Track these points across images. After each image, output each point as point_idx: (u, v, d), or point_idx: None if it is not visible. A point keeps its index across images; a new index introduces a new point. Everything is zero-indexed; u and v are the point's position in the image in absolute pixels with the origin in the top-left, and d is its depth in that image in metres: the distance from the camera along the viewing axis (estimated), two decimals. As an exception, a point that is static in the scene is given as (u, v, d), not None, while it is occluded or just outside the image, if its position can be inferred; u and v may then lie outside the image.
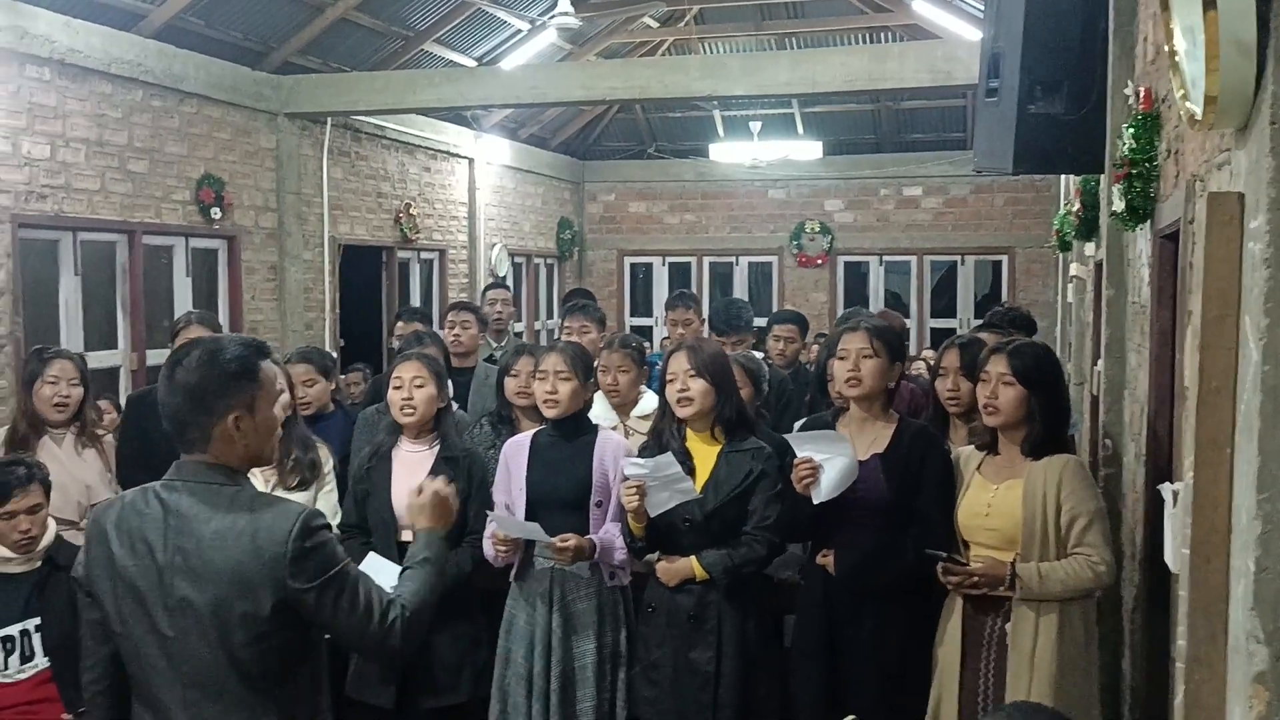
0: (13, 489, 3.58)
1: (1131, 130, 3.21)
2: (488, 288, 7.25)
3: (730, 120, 13.18)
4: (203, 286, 8.04)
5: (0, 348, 6.22)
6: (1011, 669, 3.10)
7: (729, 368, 3.68)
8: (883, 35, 11.30)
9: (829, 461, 3.31)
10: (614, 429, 4.22)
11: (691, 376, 3.54)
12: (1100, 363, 4.18)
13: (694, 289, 12.83)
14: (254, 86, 8.29)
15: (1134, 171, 3.20)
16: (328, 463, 4.19)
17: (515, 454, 3.82)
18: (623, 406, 4.51)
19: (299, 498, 3.89)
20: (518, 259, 12.62)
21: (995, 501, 3.20)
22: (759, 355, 5.18)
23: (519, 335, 9.48)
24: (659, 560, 3.59)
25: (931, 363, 4.83)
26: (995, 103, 4.31)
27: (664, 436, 3.62)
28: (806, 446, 3.36)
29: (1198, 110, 1.94)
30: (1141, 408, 3.48)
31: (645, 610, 3.63)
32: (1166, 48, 2.14)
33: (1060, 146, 4.02)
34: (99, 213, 6.92)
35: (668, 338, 7.66)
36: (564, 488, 3.69)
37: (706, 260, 13.90)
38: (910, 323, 12.36)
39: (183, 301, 7.69)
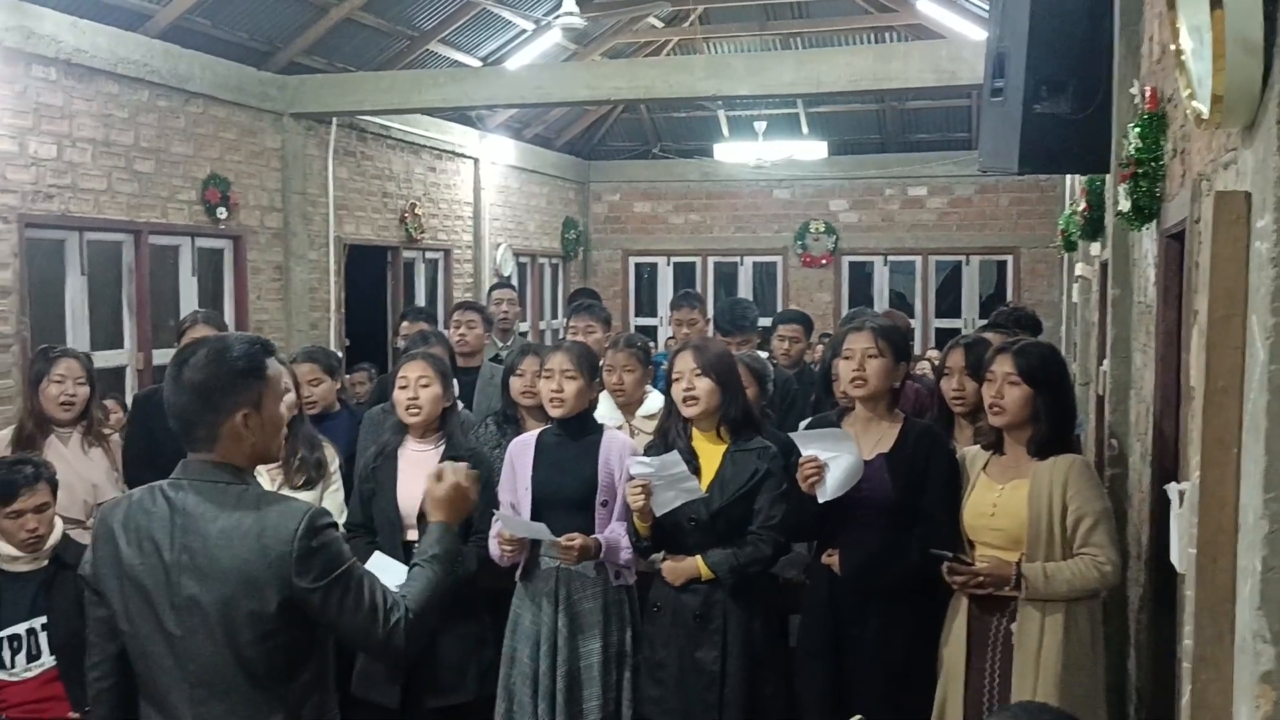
0: (20, 488, 3.59)
1: (1137, 130, 3.21)
2: (493, 287, 7.25)
3: (735, 120, 13.18)
4: (208, 286, 8.05)
5: (7, 347, 6.23)
6: (1017, 669, 3.10)
7: (735, 367, 3.68)
8: (887, 35, 11.29)
9: (834, 460, 3.31)
10: (619, 428, 4.22)
11: (697, 376, 3.54)
12: (1106, 363, 4.18)
13: (698, 289, 12.83)
14: (259, 87, 8.30)
15: (1140, 171, 3.20)
16: (333, 462, 4.20)
17: (520, 453, 3.82)
18: (628, 406, 4.51)
19: (305, 497, 3.89)
20: (522, 259, 12.62)
21: (1001, 501, 3.19)
22: (764, 355, 5.18)
23: (524, 335, 9.48)
24: (664, 560, 3.60)
25: (936, 363, 4.83)
26: (1000, 102, 4.31)
27: (670, 436, 3.62)
28: (812, 445, 3.36)
29: (1204, 109, 1.94)
30: (1147, 408, 3.48)
31: (651, 610, 3.63)
32: (1173, 47, 2.14)
33: (1066, 146, 4.02)
34: (105, 212, 6.93)
35: (672, 337, 7.66)
36: (569, 487, 3.69)
37: (711, 260, 13.89)
38: (915, 323, 12.35)
39: (189, 301, 7.70)
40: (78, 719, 3.53)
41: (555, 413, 3.77)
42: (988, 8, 6.00)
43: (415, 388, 3.85)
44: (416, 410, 3.84)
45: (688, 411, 3.57)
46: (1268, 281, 1.78)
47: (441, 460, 3.78)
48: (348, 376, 7.13)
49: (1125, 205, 3.31)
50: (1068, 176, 8.21)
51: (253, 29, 8.17)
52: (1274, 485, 1.78)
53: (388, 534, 3.82)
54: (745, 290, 13.56)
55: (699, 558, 3.50)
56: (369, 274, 9.91)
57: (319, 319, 9.07)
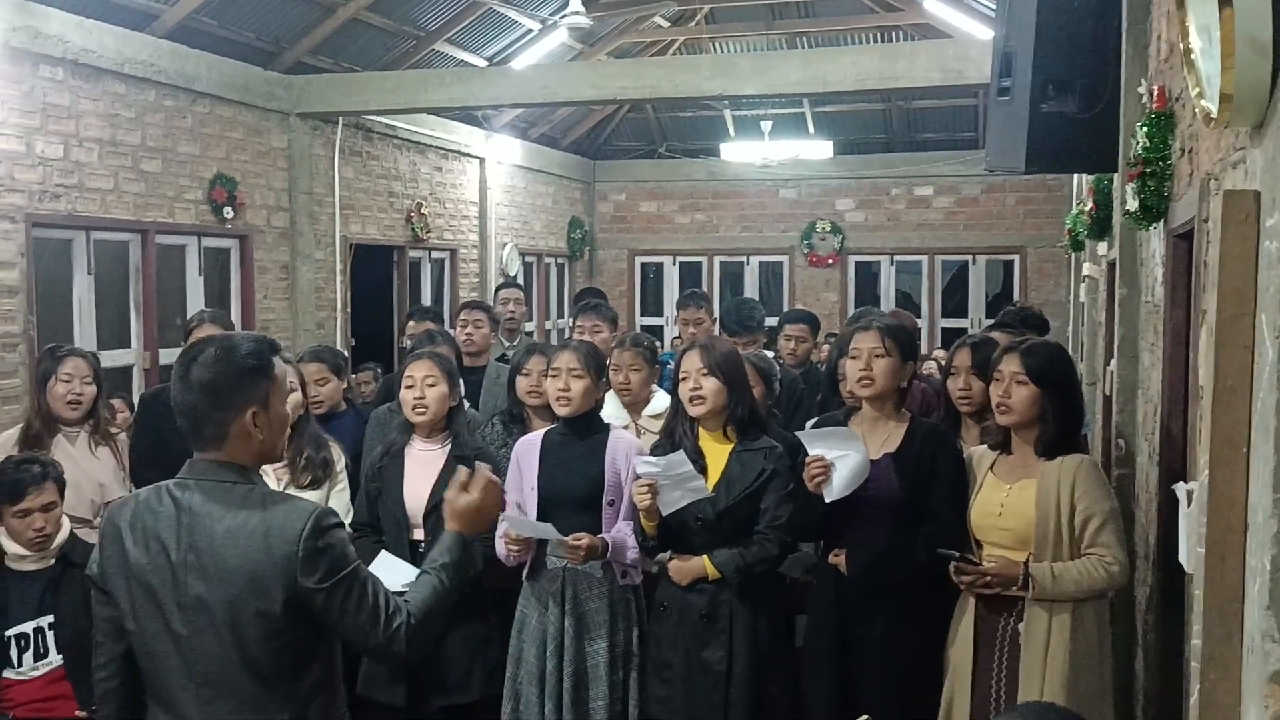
0: (27, 487, 3.60)
1: (1145, 129, 3.21)
2: (500, 287, 7.26)
3: (741, 120, 13.17)
4: (215, 286, 8.07)
5: (14, 346, 6.25)
6: (1024, 669, 3.09)
7: (742, 367, 3.68)
8: (894, 34, 11.28)
9: (841, 460, 3.31)
10: (625, 428, 4.22)
11: (704, 375, 3.54)
12: (1113, 362, 4.17)
13: (704, 288, 12.82)
14: (266, 86, 8.32)
15: (1148, 170, 3.19)
16: (340, 461, 4.20)
17: (526, 453, 3.82)
18: (634, 405, 4.51)
19: (311, 496, 3.90)
20: (528, 258, 12.63)
21: (1008, 501, 3.19)
22: (770, 355, 5.17)
23: (530, 334, 9.50)
24: (671, 559, 3.59)
25: (943, 362, 4.82)
26: (1007, 102, 4.30)
27: (676, 435, 3.62)
28: (818, 445, 3.36)
29: (1213, 108, 1.93)
30: (1155, 407, 3.47)
31: (657, 609, 3.63)
32: (1181, 46, 2.13)
33: (1073, 145, 4.01)
34: (112, 212, 6.94)
35: (678, 337, 7.66)
36: (576, 487, 3.69)
37: (717, 260, 13.89)
38: (921, 322, 12.33)
39: (195, 301, 7.72)
40: (85, 717, 3.54)
41: (562, 412, 3.77)
42: (994, 7, 5.99)
43: (422, 387, 3.85)
44: (423, 410, 3.84)
45: (694, 411, 3.57)
46: (1277, 280, 1.78)
47: (447, 461, 3.81)
48: (353, 376, 7.14)
49: (1133, 204, 3.30)
50: (1075, 176, 8.20)
51: (259, 29, 8.18)
52: (1283, 485, 1.78)
53: (394, 533, 3.83)
54: (751, 290, 13.56)
55: (705, 557, 3.49)
56: (375, 273, 9.92)
57: (325, 318, 9.08)
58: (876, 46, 10.51)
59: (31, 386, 5.37)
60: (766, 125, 12.13)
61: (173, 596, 2.18)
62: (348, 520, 3.89)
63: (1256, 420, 1.90)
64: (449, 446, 3.88)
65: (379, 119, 9.54)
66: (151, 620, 2.21)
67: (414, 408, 3.85)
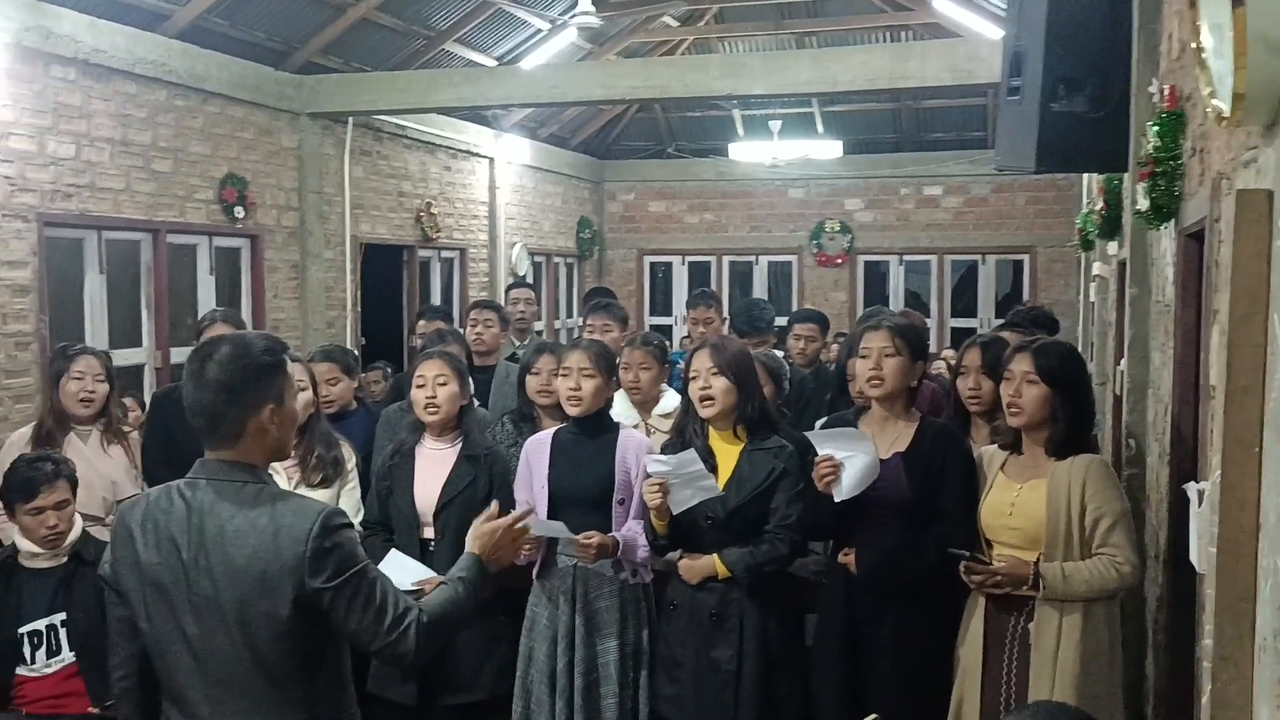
0: (40, 485, 3.62)
1: (1156, 128, 3.20)
2: (510, 287, 7.27)
3: (750, 119, 13.17)
4: (226, 285, 8.09)
5: (26, 345, 6.28)
6: (1034, 668, 3.09)
7: (752, 367, 3.68)
8: (903, 34, 11.27)
9: (850, 460, 3.31)
10: (635, 427, 4.23)
11: (714, 375, 3.54)
12: (1123, 362, 4.17)
13: (713, 288, 12.82)
14: (276, 86, 8.34)
15: (1158, 170, 3.18)
16: (350, 460, 4.21)
17: (536, 452, 3.83)
18: (644, 404, 4.51)
19: (321, 495, 3.91)
20: (538, 258, 12.64)
21: (1019, 501, 3.18)
22: (779, 354, 5.17)
23: (539, 334, 9.50)
24: (681, 558, 3.60)
25: (952, 362, 4.82)
26: (1017, 101, 4.30)
27: (687, 434, 3.62)
28: (827, 445, 3.36)
29: (1225, 107, 1.93)
30: (1165, 407, 3.47)
31: (667, 608, 3.63)
32: (1193, 45, 2.13)
33: (1083, 145, 4.00)
34: (124, 212, 6.97)
35: (687, 336, 7.66)
36: (586, 486, 3.69)
37: (726, 259, 13.89)
38: (931, 322, 12.32)
39: (206, 300, 7.74)
40: (97, 714, 3.56)
41: (573, 411, 3.78)
42: (1005, 6, 5.98)
43: (433, 386, 3.86)
44: (435, 409, 3.85)
45: (704, 412, 3.57)
46: (1289, 280, 1.78)
47: (458, 460, 3.83)
48: (363, 375, 7.16)
49: (1144, 204, 3.30)
50: (1085, 175, 8.18)
51: (270, 29, 8.20)
52: (1295, 484, 1.78)
53: (404, 532, 3.84)
54: (760, 290, 13.56)
55: (715, 556, 3.50)
56: (385, 273, 9.94)
57: (335, 317, 9.10)
58: (886, 46, 10.50)
59: (44, 385, 5.40)
60: (775, 125, 12.12)
61: (184, 596, 2.19)
62: (358, 519, 3.91)
63: (1269, 420, 1.90)
64: (459, 445, 3.89)
65: (389, 119, 9.56)
66: (163, 620, 2.22)
67: (425, 407, 3.86)
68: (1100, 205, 4.97)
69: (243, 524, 2.18)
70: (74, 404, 4.32)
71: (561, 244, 13.22)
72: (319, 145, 8.83)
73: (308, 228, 8.71)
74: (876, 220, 13.27)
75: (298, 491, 3.54)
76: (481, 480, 3.82)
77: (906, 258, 13.27)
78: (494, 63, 10.42)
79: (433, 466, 3.84)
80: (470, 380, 4.08)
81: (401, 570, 3.50)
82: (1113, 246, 5.36)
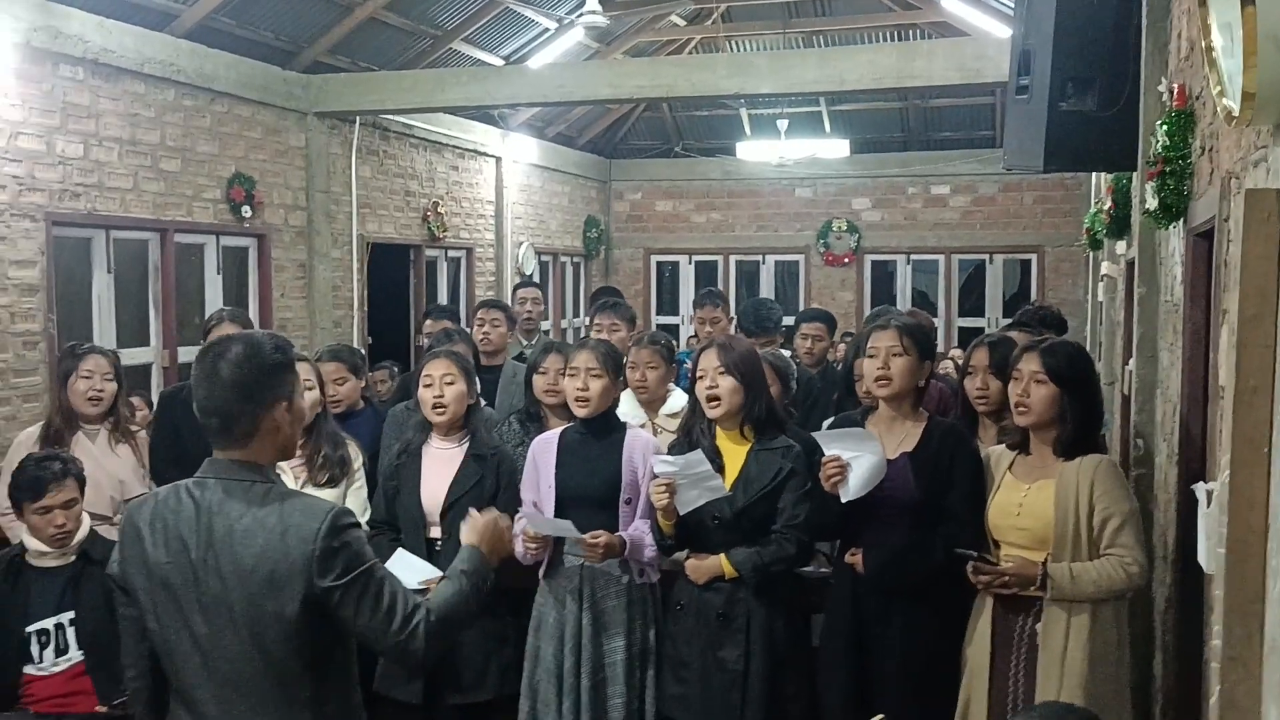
0: (48, 484, 3.63)
1: (1165, 127, 3.19)
2: (518, 286, 7.27)
3: (757, 118, 13.16)
4: (233, 284, 8.11)
5: (34, 344, 6.29)
6: (1042, 669, 3.08)
7: (760, 367, 3.67)
8: (911, 33, 11.25)
9: (857, 460, 3.30)
10: (642, 427, 4.22)
11: (721, 374, 3.53)
12: (1132, 362, 4.15)
13: (720, 287, 12.81)
14: (284, 86, 8.35)
15: (1167, 169, 3.18)
16: (357, 459, 4.22)
17: (543, 451, 3.83)
18: (651, 403, 4.51)
19: (328, 494, 3.92)
20: (544, 257, 12.64)
21: (1026, 501, 3.18)
22: (787, 354, 5.17)
23: (546, 333, 9.51)
24: (688, 558, 3.60)
25: (960, 362, 4.81)
26: (1025, 100, 4.29)
27: (694, 434, 3.62)
28: (834, 445, 3.35)
29: (1235, 107, 1.93)
30: (1174, 407, 3.46)
31: (674, 608, 3.63)
32: (1203, 44, 2.13)
33: (1092, 144, 4.00)
34: (131, 211, 6.99)
35: (694, 336, 7.66)
36: (593, 485, 3.69)
37: (733, 259, 13.89)
38: (938, 322, 12.30)
39: (214, 299, 7.76)
40: (105, 712, 3.56)
41: (580, 412, 3.77)
42: (1013, 5, 5.97)
43: (440, 385, 3.86)
44: (442, 409, 3.85)
45: (711, 413, 3.56)
46: (1299, 280, 1.77)
47: (465, 459, 3.83)
48: (370, 374, 7.16)
49: (1152, 203, 3.29)
50: (1093, 174, 8.17)
51: (277, 29, 8.21)
52: (1305, 485, 1.77)
53: (411, 531, 3.84)
54: (767, 289, 13.55)
55: (723, 556, 3.49)
56: (392, 272, 9.95)
57: (342, 317, 9.12)
58: (894, 45, 10.48)
59: (52, 384, 5.41)
60: (783, 124, 12.12)
61: (192, 595, 2.20)
62: (365, 518, 3.91)
63: (1278, 420, 1.89)
64: (466, 445, 3.89)
65: (396, 118, 9.57)
66: (171, 619, 2.22)
67: (433, 406, 3.86)
68: (1109, 204, 4.95)
69: (251, 523, 2.18)
70: (82, 403, 4.33)
71: (568, 243, 13.23)
72: (326, 145, 8.84)
73: (315, 227, 8.72)
74: (884, 219, 13.26)
75: (305, 491, 3.55)
76: (488, 480, 3.83)
77: (914, 257, 13.26)
78: (501, 62, 10.43)
79: (439, 466, 3.84)
80: (477, 380, 4.08)
81: (408, 569, 3.51)
82: (1121, 246, 5.35)
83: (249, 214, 7.92)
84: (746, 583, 3.47)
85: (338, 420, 4.41)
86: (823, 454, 3.36)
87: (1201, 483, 2.56)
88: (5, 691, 3.60)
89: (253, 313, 8.01)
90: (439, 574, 3.46)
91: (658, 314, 14.06)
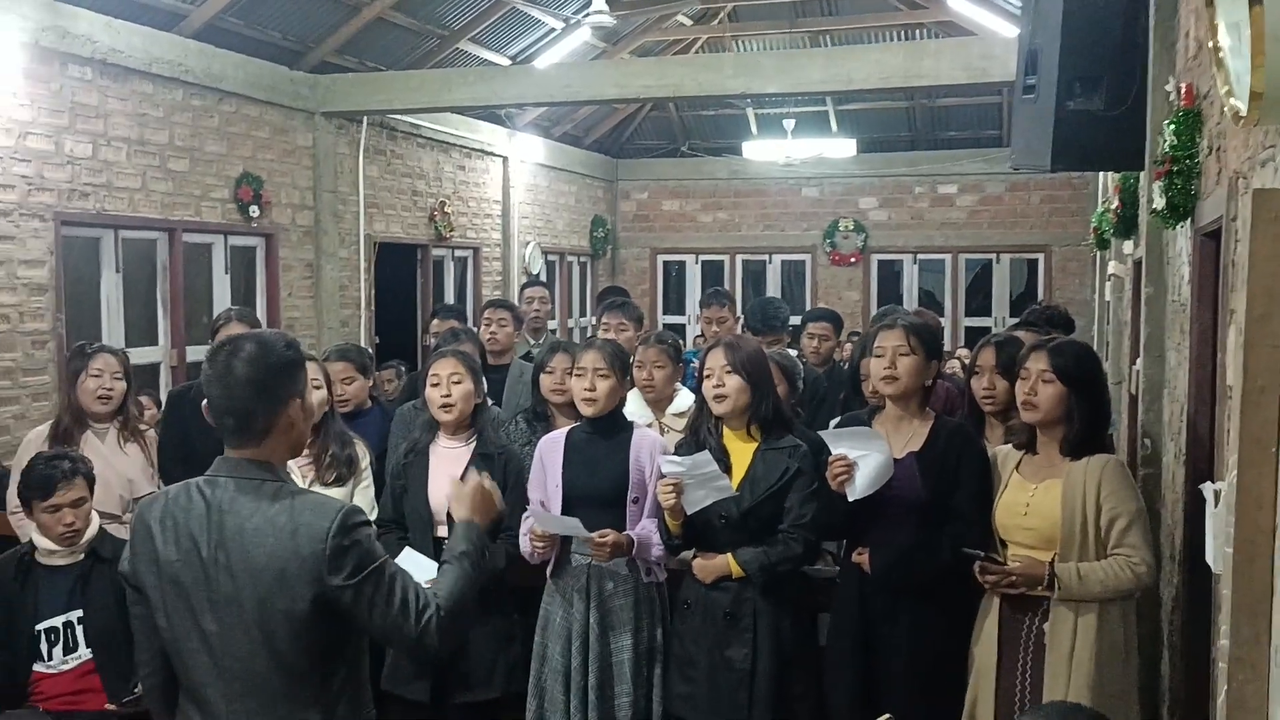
0: (57, 483, 3.64)
1: (1172, 127, 3.19)
2: (525, 285, 7.28)
3: (764, 118, 13.16)
4: (241, 284, 8.13)
5: (43, 343, 6.32)
6: (1049, 669, 3.08)
7: (767, 366, 3.67)
8: (918, 32, 11.25)
9: (864, 459, 3.30)
10: (649, 426, 4.23)
11: (728, 373, 3.54)
12: (1139, 362, 4.15)
13: (726, 287, 12.82)
14: (291, 86, 8.37)
15: (1175, 168, 3.17)
16: (364, 459, 4.22)
17: (550, 451, 3.83)
18: (658, 403, 4.51)
19: (335, 493, 3.92)
20: (551, 257, 12.66)
21: (1034, 501, 3.17)
22: (793, 353, 5.17)
23: (553, 333, 9.53)
24: (695, 557, 3.60)
25: (966, 361, 4.80)
26: (1033, 99, 4.29)
27: (701, 434, 3.62)
28: (841, 443, 3.35)
29: (1242, 106, 1.92)
30: (1181, 407, 3.46)
31: (681, 607, 3.63)
32: (1210, 43, 2.12)
33: (1099, 143, 3.99)
34: (140, 211, 7.01)
35: (701, 335, 7.66)
36: (600, 485, 3.69)
37: (739, 258, 13.89)
38: (945, 321, 12.29)
39: (221, 298, 7.78)
40: (114, 710, 3.58)
41: (587, 411, 3.78)
42: (1020, 4, 5.96)
43: (447, 384, 3.86)
44: (449, 408, 3.86)
45: (717, 409, 3.57)
46: (1307, 279, 1.77)
47: (472, 458, 3.83)
48: (377, 374, 7.17)
49: (1159, 203, 3.29)
50: (1100, 174, 8.16)
51: (285, 29, 8.23)
52: (1313, 485, 1.77)
53: (419, 530, 3.84)
54: (774, 288, 13.55)
55: (730, 556, 3.49)
56: (398, 272, 9.97)
57: (349, 316, 9.13)
58: (901, 45, 10.48)
59: (61, 383, 5.43)
60: (789, 123, 12.12)
61: (203, 593, 2.20)
62: (372, 517, 3.92)
63: (1286, 420, 1.89)
64: (473, 444, 3.90)
65: (403, 118, 9.59)
66: (181, 617, 2.23)
67: (440, 405, 3.87)
68: (1116, 204, 4.95)
69: (262, 522, 2.19)
70: (92, 401, 4.34)
71: (575, 243, 13.24)
72: (334, 144, 8.86)
73: (322, 227, 8.74)
74: (890, 219, 13.25)
75: (314, 490, 3.56)
76: (495, 479, 3.82)
77: (921, 256, 13.25)
78: (508, 62, 10.44)
79: (447, 465, 3.84)
80: (484, 379, 4.09)
81: (416, 568, 3.50)
82: (1128, 245, 5.34)
83: (256, 214, 7.94)
84: (753, 582, 3.48)
85: (345, 420, 4.41)
86: (830, 453, 3.36)
87: (1209, 482, 2.56)
88: (15, 689, 3.61)
89: (260, 312, 8.03)
90: (447, 573, 3.46)
91: (664, 313, 14.07)
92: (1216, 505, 2.34)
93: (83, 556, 3.71)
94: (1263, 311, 1.94)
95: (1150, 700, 3.70)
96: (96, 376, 4.34)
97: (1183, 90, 3.24)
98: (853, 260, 13.29)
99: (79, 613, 3.67)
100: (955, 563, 3.20)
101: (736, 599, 3.49)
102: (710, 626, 3.52)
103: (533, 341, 6.08)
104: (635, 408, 4.33)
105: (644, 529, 3.66)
